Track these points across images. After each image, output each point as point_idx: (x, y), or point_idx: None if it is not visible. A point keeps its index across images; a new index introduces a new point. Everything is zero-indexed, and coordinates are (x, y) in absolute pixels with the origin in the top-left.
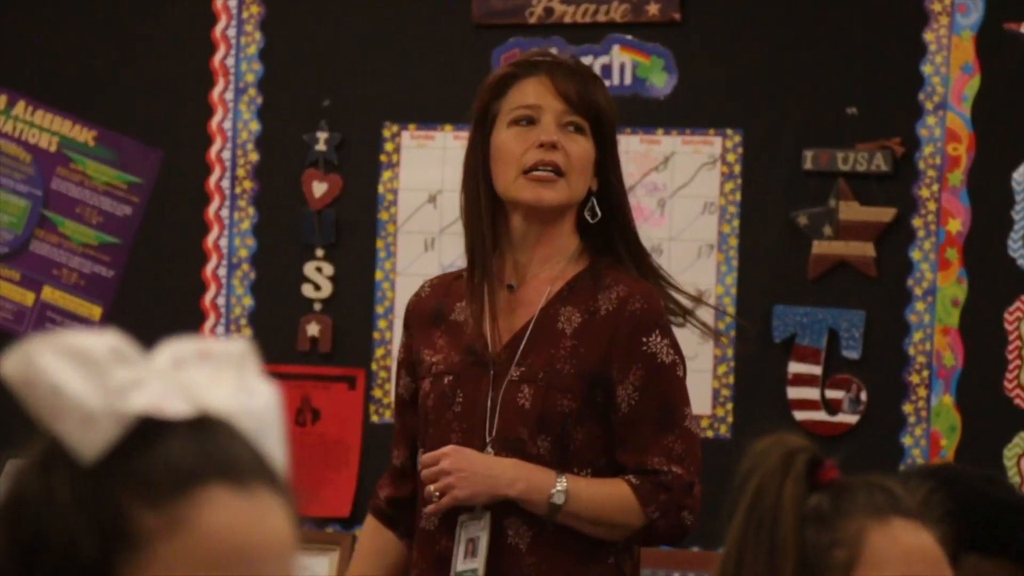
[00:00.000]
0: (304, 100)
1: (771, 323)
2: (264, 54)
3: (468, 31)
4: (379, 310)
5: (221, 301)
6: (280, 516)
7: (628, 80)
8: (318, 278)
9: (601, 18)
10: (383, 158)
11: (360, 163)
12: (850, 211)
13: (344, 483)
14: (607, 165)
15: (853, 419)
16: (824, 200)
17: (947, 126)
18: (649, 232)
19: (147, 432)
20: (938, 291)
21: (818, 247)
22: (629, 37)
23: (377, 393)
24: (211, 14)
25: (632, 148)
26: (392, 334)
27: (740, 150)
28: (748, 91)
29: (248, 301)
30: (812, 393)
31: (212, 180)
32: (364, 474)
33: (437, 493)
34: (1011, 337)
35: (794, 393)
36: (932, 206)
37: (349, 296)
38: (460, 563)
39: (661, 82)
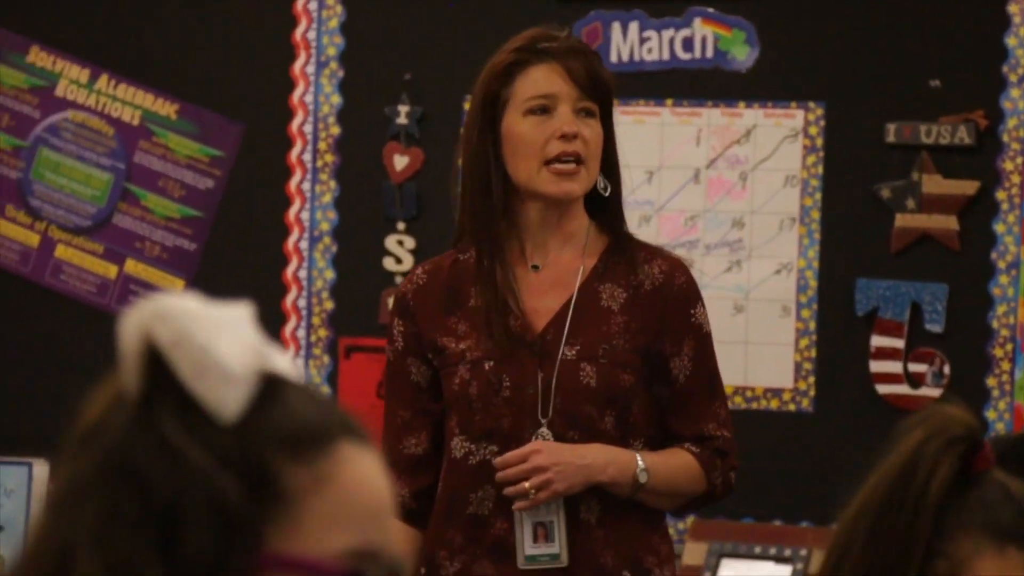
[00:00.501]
0: (385, 73)
1: (854, 296)
2: (345, 28)
3: (549, 4)
4: None
5: (303, 274)
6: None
7: (710, 53)
8: (399, 251)
9: None
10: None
11: (441, 136)
12: (933, 184)
13: None
14: (609, 139)
15: (936, 392)
16: (907, 173)
17: None
18: (731, 205)
19: (273, 391)
20: (1022, 264)
21: (901, 220)
22: (711, 10)
23: None
24: None
25: (713, 121)
26: None
27: (822, 123)
28: (831, 64)
29: (329, 274)
30: (895, 367)
31: (294, 153)
32: None
33: (533, 490)
34: None
35: (877, 367)
36: (1016, 179)
37: None
38: (530, 547)
39: (743, 55)
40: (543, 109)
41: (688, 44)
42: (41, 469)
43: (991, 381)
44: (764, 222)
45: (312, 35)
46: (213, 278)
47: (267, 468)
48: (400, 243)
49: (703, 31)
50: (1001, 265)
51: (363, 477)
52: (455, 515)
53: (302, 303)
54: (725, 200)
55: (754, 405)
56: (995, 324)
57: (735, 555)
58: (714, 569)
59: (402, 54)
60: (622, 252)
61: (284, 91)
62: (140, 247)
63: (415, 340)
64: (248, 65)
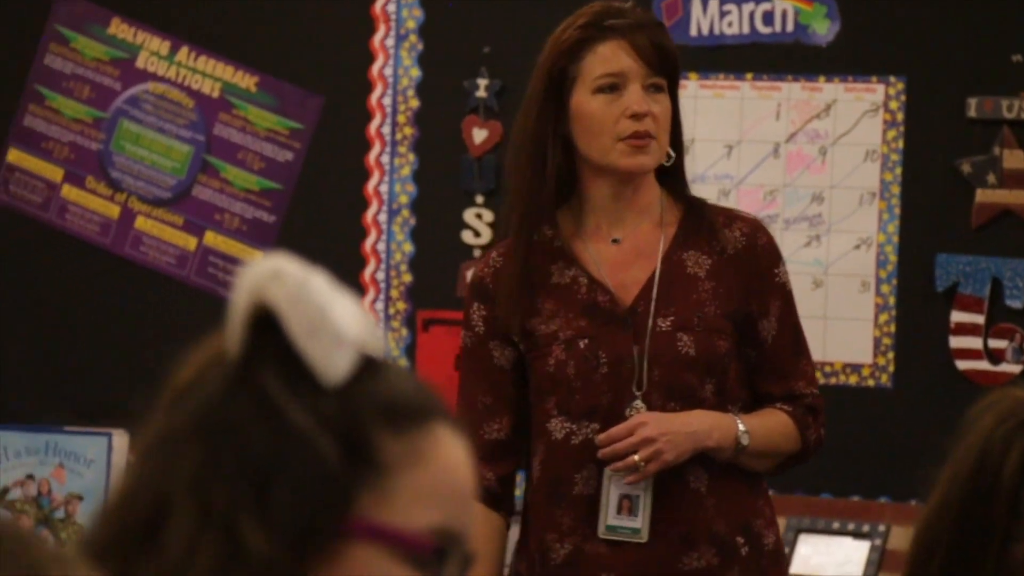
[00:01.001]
0: (464, 47)
1: (934, 272)
2: (425, 0)
3: None
4: None
5: (381, 247)
6: None
7: (790, 27)
8: (478, 224)
9: None
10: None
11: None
12: (1014, 159)
13: None
14: (674, 110)
15: (1016, 369)
16: (988, 148)
17: None
18: (810, 180)
19: (376, 365)
20: None
21: (982, 195)
22: None
23: None
24: None
25: (793, 95)
26: None
27: (903, 97)
28: (912, 38)
29: (408, 247)
30: (975, 343)
31: (373, 126)
32: None
33: (643, 463)
34: None
35: (956, 342)
36: None
37: None
38: (613, 517)
39: (823, 29)
40: (612, 87)
41: (768, 18)
42: (120, 440)
43: None
44: (844, 197)
45: (392, 8)
46: (292, 250)
47: (365, 436)
48: (479, 216)
49: (783, 5)
50: None
51: (455, 460)
52: (561, 497)
53: (380, 276)
54: (804, 175)
55: (832, 380)
56: None
57: (813, 531)
58: (792, 544)
59: (481, 27)
60: (699, 218)
61: (363, 64)
62: (219, 219)
63: (497, 323)
64: (328, 38)
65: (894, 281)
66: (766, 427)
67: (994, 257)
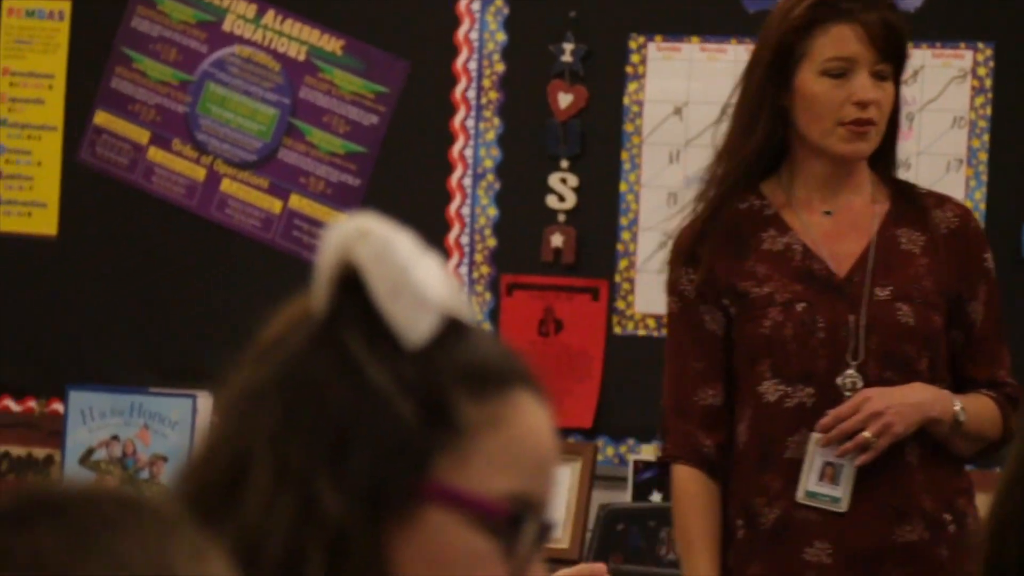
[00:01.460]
0: (550, 11)
1: (1020, 239)
2: None
3: None
4: (623, 222)
5: (466, 211)
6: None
7: None
8: (562, 189)
9: None
10: (629, 69)
11: (606, 74)
12: None
13: (586, 394)
14: (897, 93)
15: None
16: None
17: None
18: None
19: (458, 328)
20: None
21: None
22: None
23: (620, 305)
24: None
25: None
26: (636, 246)
27: (992, 64)
28: (1000, 3)
29: (492, 211)
30: None
31: (458, 90)
32: (607, 386)
33: (875, 438)
34: None
35: None
36: None
37: (593, 207)
38: (814, 483)
39: None
40: (840, 72)
41: None
42: (205, 401)
43: None
44: (931, 163)
45: None
46: (376, 214)
47: (445, 399)
48: (563, 181)
49: None
50: None
51: (536, 426)
52: (771, 460)
53: (465, 240)
54: None
55: None
56: None
57: None
58: None
59: None
60: (910, 198)
61: (449, 28)
62: (305, 182)
63: (708, 287)
64: (414, 2)
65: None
66: (976, 409)
67: None
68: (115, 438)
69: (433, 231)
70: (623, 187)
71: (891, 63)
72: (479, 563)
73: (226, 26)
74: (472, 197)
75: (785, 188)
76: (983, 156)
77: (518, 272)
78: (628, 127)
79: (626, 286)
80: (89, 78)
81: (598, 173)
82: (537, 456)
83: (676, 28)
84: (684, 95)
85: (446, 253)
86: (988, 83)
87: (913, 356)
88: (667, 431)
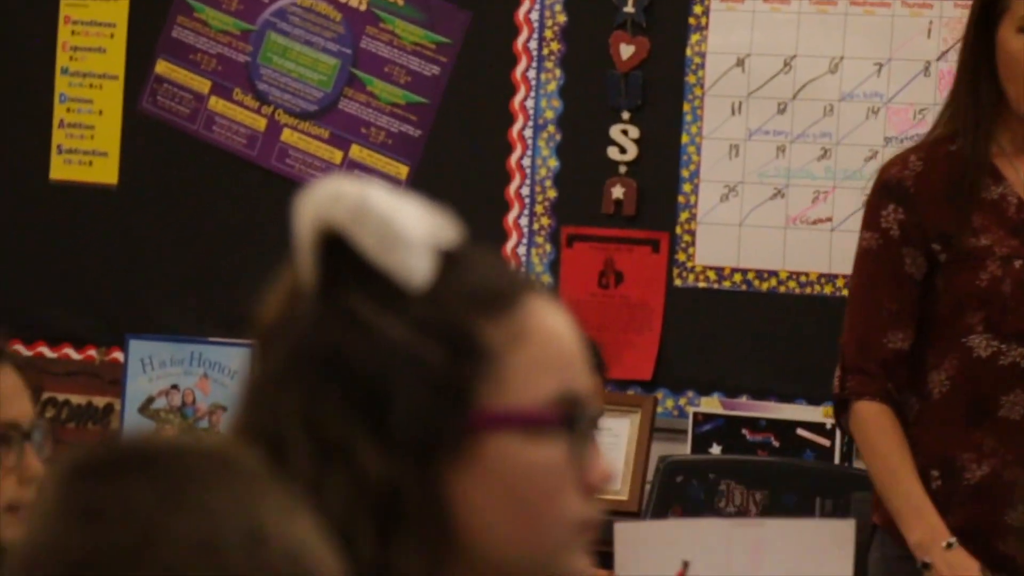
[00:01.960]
0: None
1: None
2: None
3: None
4: (684, 173)
5: (527, 162)
6: None
7: None
8: (624, 140)
9: None
10: (691, 21)
11: (668, 25)
12: None
13: (646, 346)
14: None
15: None
16: None
17: None
18: None
19: (453, 256)
20: None
21: None
22: None
23: (680, 257)
24: None
25: (946, 13)
26: (697, 198)
27: None
28: None
29: (553, 163)
30: None
31: (520, 41)
32: (666, 338)
33: None
34: None
35: None
36: None
37: (654, 159)
38: None
39: None
40: None
41: None
42: None
43: None
44: None
45: None
46: (437, 165)
47: (464, 329)
48: (624, 132)
49: None
50: None
51: (555, 326)
52: (984, 417)
53: (525, 191)
54: None
55: None
56: None
57: None
58: None
59: None
60: None
61: None
62: (365, 133)
63: (916, 229)
64: None
65: None
66: None
67: None
68: (174, 387)
69: (493, 182)
70: (684, 139)
71: None
72: (547, 473)
73: None
74: (533, 148)
75: (997, 136)
76: None
77: (578, 224)
78: (690, 79)
79: (687, 238)
80: (150, 27)
81: (659, 125)
82: (565, 352)
83: None
84: (747, 47)
85: (506, 204)
86: None
87: None
88: (848, 369)
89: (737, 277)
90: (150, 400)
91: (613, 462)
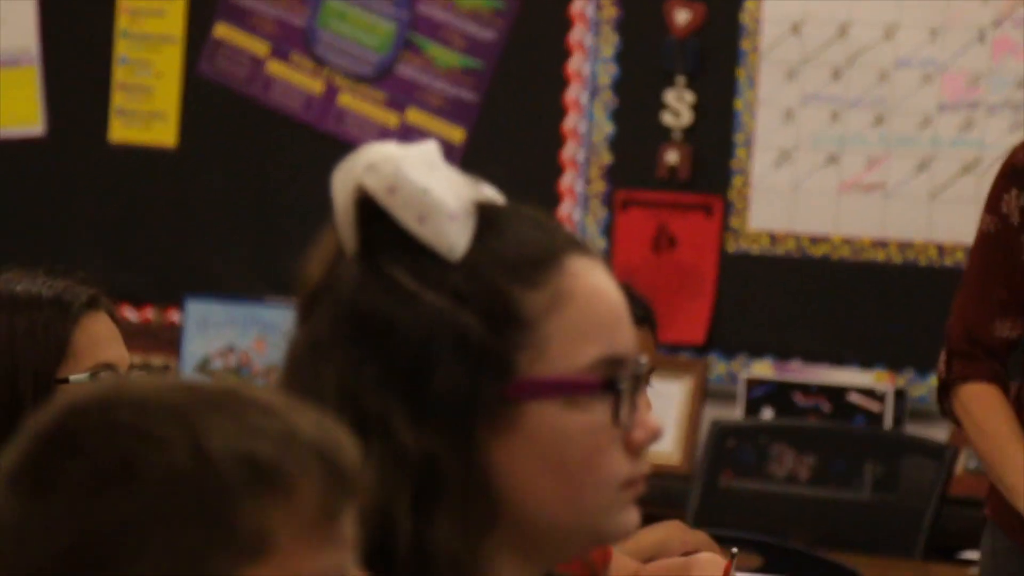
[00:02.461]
0: None
1: None
2: None
3: None
4: (738, 139)
5: (582, 127)
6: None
7: None
8: (679, 106)
9: None
10: None
11: None
12: None
13: (699, 311)
14: None
15: None
16: None
17: None
18: (1016, 66)
19: (491, 221)
20: None
21: None
22: None
23: (734, 222)
24: None
25: None
26: (751, 164)
27: None
28: None
29: (608, 127)
30: None
31: (575, 6)
32: (719, 302)
33: None
34: None
35: None
36: None
37: (709, 124)
38: None
39: None
40: None
41: None
42: None
43: None
44: None
45: None
46: (493, 129)
47: (503, 297)
48: (680, 98)
49: None
50: None
51: (597, 287)
52: None
53: (580, 156)
54: (1010, 61)
55: None
56: None
57: None
58: None
59: None
60: None
61: None
62: (421, 97)
63: None
64: None
65: None
66: None
67: None
68: (231, 348)
69: (548, 147)
70: (739, 105)
71: None
72: (590, 436)
73: None
74: (588, 113)
75: None
76: None
77: (633, 188)
78: (745, 44)
79: (740, 203)
80: None
81: (714, 90)
82: (608, 313)
83: None
84: (802, 13)
85: (560, 169)
86: None
87: None
88: (953, 353)
89: (790, 242)
90: (206, 360)
91: (664, 424)
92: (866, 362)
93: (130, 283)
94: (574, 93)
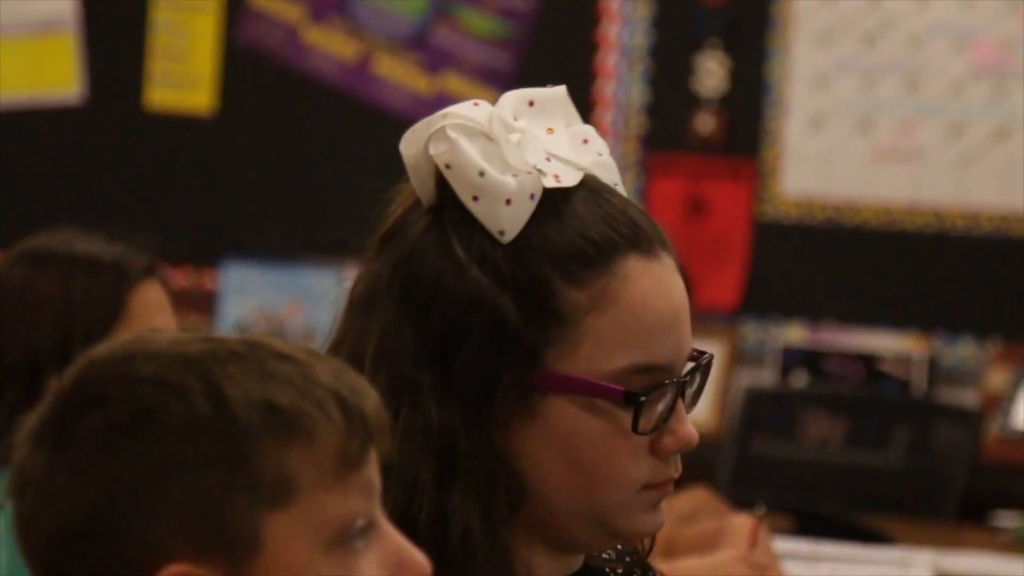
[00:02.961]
0: None
1: None
2: None
3: None
4: (771, 106)
5: (616, 92)
6: (678, 276)
7: None
8: (712, 72)
9: None
10: None
11: None
12: None
13: (731, 277)
14: None
15: None
16: None
17: None
18: None
19: (552, 205)
20: None
21: None
22: None
23: (767, 188)
24: None
25: None
26: (783, 130)
27: None
28: None
29: (642, 93)
30: None
31: None
32: (752, 268)
33: None
34: None
35: None
36: None
37: (742, 91)
38: None
39: None
40: None
41: None
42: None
43: None
44: None
45: None
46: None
47: (544, 288)
48: (713, 64)
49: None
50: None
51: (648, 290)
52: None
53: (614, 120)
54: None
55: None
56: None
57: None
58: (1014, 395)
59: None
60: None
61: None
62: (456, 63)
63: None
64: None
65: None
66: None
67: None
68: (266, 310)
69: (583, 111)
70: (772, 71)
71: None
72: (605, 441)
73: None
74: (622, 79)
75: None
76: None
77: (666, 154)
78: (778, 11)
79: (773, 169)
80: None
81: (747, 57)
82: (655, 320)
83: None
84: None
85: None
86: None
87: None
88: None
89: (822, 209)
90: (241, 323)
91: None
92: (898, 327)
93: (167, 246)
94: (607, 59)
